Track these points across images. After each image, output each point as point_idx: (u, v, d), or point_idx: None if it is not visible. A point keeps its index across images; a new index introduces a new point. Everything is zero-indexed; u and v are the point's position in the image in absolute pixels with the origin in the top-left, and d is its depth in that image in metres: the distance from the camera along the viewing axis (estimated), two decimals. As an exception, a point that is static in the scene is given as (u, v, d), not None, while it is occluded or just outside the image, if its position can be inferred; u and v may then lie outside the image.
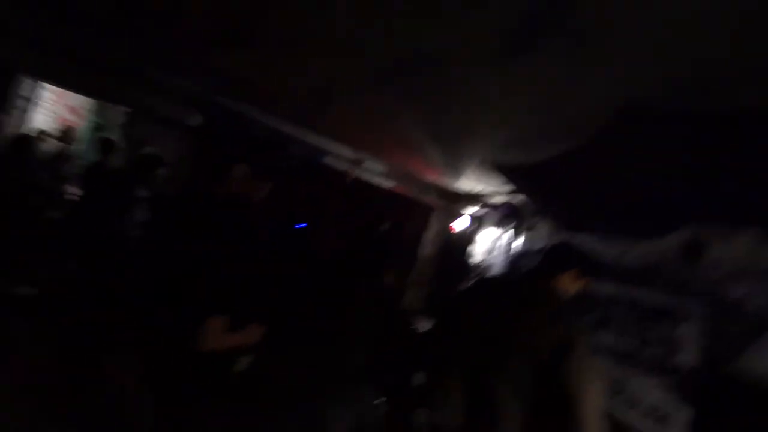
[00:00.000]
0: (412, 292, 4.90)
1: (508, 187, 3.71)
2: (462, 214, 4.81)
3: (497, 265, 4.22)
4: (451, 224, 4.86)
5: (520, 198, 3.82)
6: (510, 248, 4.08)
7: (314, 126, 3.71)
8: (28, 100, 3.47)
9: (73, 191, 3.35)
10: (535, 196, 3.39)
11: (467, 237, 4.71)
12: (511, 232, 4.10)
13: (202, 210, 1.86)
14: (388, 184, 4.69)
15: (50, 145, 3.78)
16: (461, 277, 4.44)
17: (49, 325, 2.59)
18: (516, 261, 3.98)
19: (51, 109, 4.12)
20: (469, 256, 4.64)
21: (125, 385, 2.06)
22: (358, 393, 3.13)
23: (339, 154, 4.31)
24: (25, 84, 3.38)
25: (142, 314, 1.76)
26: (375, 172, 4.62)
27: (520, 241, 3.97)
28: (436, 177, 4.43)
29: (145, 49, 2.99)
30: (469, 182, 4.25)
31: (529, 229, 3.90)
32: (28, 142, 3.03)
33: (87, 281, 2.79)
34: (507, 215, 4.10)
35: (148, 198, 2.84)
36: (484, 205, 4.49)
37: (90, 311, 2.67)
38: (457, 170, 3.92)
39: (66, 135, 4.06)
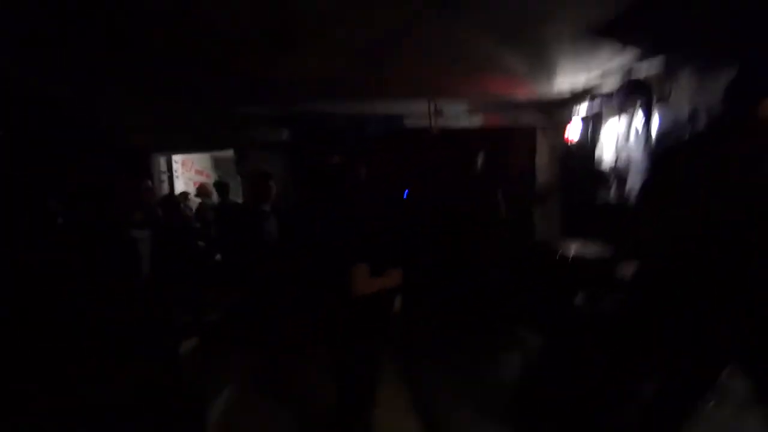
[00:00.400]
0: (545, 220, 4.46)
1: (619, 58, 3.04)
2: (573, 118, 4.15)
3: (639, 156, 3.51)
4: (564, 135, 4.25)
5: (638, 66, 3.10)
6: (649, 131, 3.34)
7: (380, 92, 3.65)
8: (166, 172, 4.35)
9: (219, 232, 4.04)
10: (661, 42, 2.64)
11: (590, 141, 4.04)
12: (641, 113, 3.36)
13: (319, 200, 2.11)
14: (476, 121, 4.36)
15: (194, 203, 4.65)
16: (599, 187, 3.85)
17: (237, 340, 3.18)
18: (662, 142, 3.24)
19: (185, 175, 5.08)
20: (600, 160, 3.98)
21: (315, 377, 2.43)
22: (521, 334, 2.98)
23: (415, 112, 4.18)
24: (160, 160, 4.24)
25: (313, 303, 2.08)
26: (459, 116, 4.34)
27: (658, 119, 3.22)
28: (526, 90, 3.91)
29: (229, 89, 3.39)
30: (565, 79, 3.63)
31: (664, 98, 3.13)
32: (176, 200, 3.77)
33: (255, 298, 3.33)
34: (629, 95, 3.37)
35: (271, 211, 3.20)
36: (594, 97, 3.79)
37: (268, 322, 3.20)
38: (546, 70, 3.38)
39: (202, 192, 4.92)
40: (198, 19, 2.07)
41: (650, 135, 3.33)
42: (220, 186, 4.19)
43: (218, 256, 3.89)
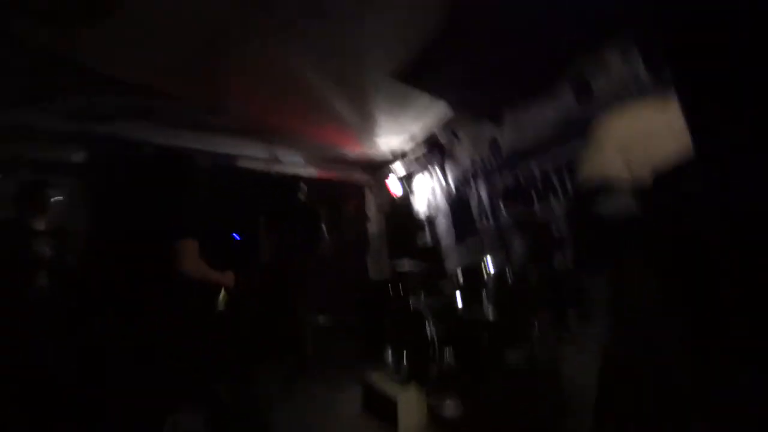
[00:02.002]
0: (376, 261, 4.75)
1: (422, 121, 3.83)
2: (391, 177, 4.85)
3: (442, 203, 4.29)
4: (386, 191, 4.88)
5: (436, 128, 3.95)
6: (446, 181, 4.19)
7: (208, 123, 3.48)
8: None
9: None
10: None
11: (406, 195, 4.76)
12: (438, 167, 4.23)
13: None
14: (309, 172, 4.58)
15: None
16: (417, 232, 4.45)
17: None
18: (456, 189, 4.09)
19: None
20: (416, 210, 4.67)
21: None
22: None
23: (250, 156, 4.13)
24: None
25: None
26: (295, 166, 4.50)
27: (450, 170, 4.11)
28: (355, 146, 4.43)
29: None
30: (384, 140, 4.31)
31: (451, 153, 4.05)
32: None
33: None
34: (429, 153, 4.21)
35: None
36: (406, 157, 4.57)
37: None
38: (369, 125, 3.95)
39: None
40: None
41: (448, 184, 4.19)
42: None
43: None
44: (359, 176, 4.94)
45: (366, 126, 3.93)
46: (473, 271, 2.86)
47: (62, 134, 3.16)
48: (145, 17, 2.19)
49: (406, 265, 3.34)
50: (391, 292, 3.29)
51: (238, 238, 3.96)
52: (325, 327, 3.44)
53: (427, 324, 2.43)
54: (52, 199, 2.52)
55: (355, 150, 4.48)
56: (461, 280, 2.95)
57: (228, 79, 2.88)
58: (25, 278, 2.26)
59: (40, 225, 2.41)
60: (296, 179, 3.47)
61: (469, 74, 2.93)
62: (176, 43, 2.36)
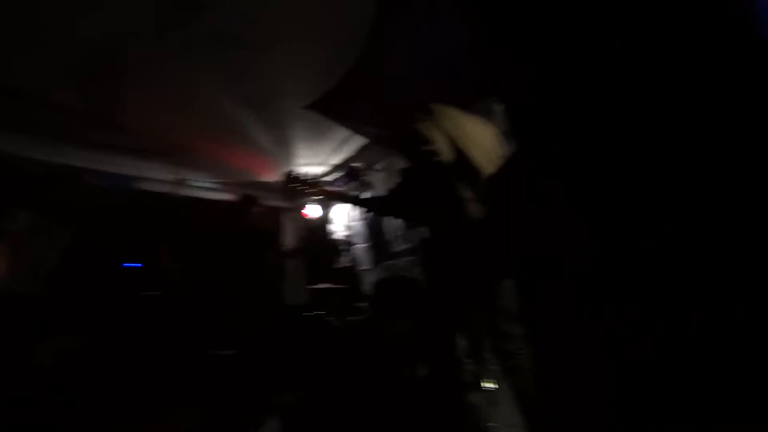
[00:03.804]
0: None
1: (341, 152, 3.98)
2: (311, 202, 4.85)
3: (360, 228, 4.43)
4: (302, 215, 4.85)
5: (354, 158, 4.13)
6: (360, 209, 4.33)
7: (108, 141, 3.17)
8: None
9: None
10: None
11: (324, 219, 4.79)
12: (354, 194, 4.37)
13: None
14: (222, 197, 4.38)
15: None
16: (335, 254, 4.50)
17: None
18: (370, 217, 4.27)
19: None
20: (333, 233, 4.73)
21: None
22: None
23: (155, 178, 3.82)
24: None
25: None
26: (205, 188, 4.28)
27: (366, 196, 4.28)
28: (270, 172, 4.37)
29: None
30: (302, 165, 4.34)
31: (368, 182, 4.25)
32: None
33: None
34: (347, 181, 4.36)
35: None
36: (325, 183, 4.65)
37: None
38: (287, 152, 3.96)
39: None
40: None
41: (362, 212, 4.35)
42: None
43: None
44: (276, 201, 4.85)
45: (283, 153, 3.94)
46: (389, 288, 2.98)
47: None
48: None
49: (324, 287, 3.37)
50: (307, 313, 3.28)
51: (130, 265, 3.58)
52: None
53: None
54: None
55: (271, 176, 4.42)
56: (378, 297, 3.05)
57: (126, 93, 2.68)
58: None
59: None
60: (248, 199, 3.35)
61: (383, 110, 3.17)
62: (68, 49, 2.16)
